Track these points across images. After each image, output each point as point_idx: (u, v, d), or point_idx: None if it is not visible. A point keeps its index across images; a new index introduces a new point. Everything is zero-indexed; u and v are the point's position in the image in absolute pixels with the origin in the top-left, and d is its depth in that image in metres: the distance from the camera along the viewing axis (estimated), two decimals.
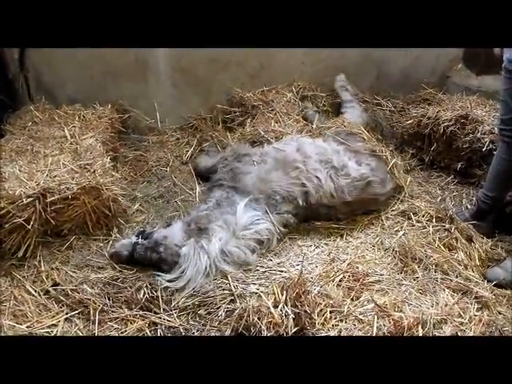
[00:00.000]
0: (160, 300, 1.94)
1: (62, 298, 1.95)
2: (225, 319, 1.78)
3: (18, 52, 2.77)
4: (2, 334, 1.72)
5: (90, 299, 1.93)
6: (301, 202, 2.46)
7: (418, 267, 2.18)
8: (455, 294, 1.95)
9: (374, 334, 1.64)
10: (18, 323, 1.81)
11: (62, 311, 1.91)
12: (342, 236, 2.47)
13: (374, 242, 2.43)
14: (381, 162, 2.75)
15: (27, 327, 1.80)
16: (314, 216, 2.55)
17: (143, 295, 1.96)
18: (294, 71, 3.48)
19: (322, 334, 1.63)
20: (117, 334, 1.79)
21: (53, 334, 1.80)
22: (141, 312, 1.89)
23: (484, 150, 2.89)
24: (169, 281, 2.05)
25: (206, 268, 2.11)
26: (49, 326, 1.84)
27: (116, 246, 2.17)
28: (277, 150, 2.65)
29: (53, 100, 2.82)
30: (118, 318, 1.87)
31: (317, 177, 2.49)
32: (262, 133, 2.94)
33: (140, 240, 2.16)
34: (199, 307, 1.89)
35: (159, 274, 2.08)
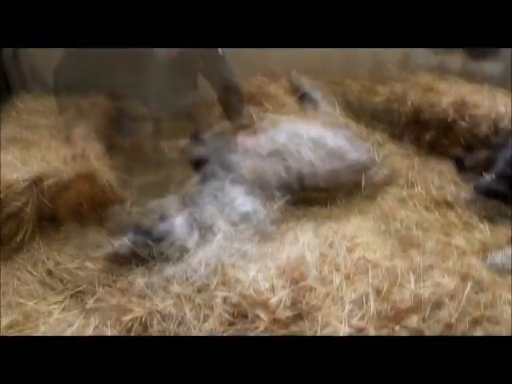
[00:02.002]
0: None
1: (65, 275, 2.01)
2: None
3: None
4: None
5: (93, 275, 2.00)
6: (283, 174, 2.57)
7: (401, 227, 2.33)
8: (438, 246, 2.10)
9: (370, 284, 1.75)
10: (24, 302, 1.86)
11: (67, 289, 1.96)
12: (325, 205, 2.61)
13: (356, 209, 2.58)
14: (355, 135, 2.93)
15: (34, 304, 1.85)
16: (298, 187, 2.64)
17: None
18: (269, 56, 3.60)
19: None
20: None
21: (57, 314, 1.84)
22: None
23: (449, 120, 3.11)
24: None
25: (197, 239, 2.20)
26: (55, 303, 1.89)
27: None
28: (258, 130, 2.79)
29: (34, 93, 2.81)
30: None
31: (296, 150, 2.62)
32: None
33: (138, 236, 2.15)
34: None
35: None
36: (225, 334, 1.51)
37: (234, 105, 2.72)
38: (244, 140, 2.67)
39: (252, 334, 1.51)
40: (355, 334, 1.57)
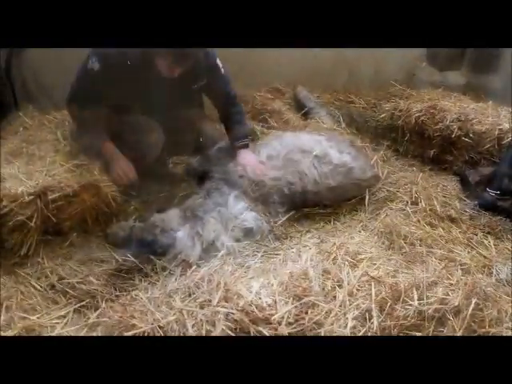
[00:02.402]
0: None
1: (68, 290, 2.01)
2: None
3: (4, 60, 2.81)
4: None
5: (97, 290, 2.00)
6: (286, 191, 2.58)
7: (405, 243, 2.33)
8: (442, 262, 2.09)
9: (373, 300, 1.75)
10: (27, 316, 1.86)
11: (70, 303, 1.96)
12: (329, 221, 2.62)
13: (360, 225, 2.58)
14: (360, 151, 2.93)
15: (37, 318, 1.85)
16: (301, 203, 2.68)
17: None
18: (271, 72, 3.64)
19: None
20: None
21: (59, 328, 1.84)
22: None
23: (453, 136, 3.13)
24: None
25: (199, 252, 2.22)
26: (58, 317, 1.89)
27: (113, 227, 2.25)
28: (262, 145, 2.80)
29: (40, 107, 2.85)
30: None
31: (299, 166, 2.63)
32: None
33: (137, 222, 2.25)
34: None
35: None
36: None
37: (235, 117, 2.74)
38: (245, 160, 2.68)
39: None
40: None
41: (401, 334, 1.69)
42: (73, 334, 1.75)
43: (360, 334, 1.61)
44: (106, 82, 2.33)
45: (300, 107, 3.66)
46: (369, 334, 1.61)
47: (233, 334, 1.53)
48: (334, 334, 1.57)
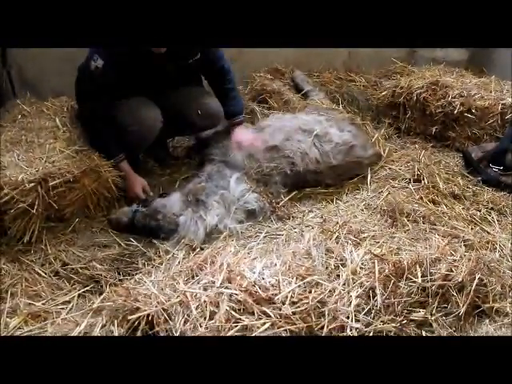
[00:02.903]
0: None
1: (72, 275, 2.02)
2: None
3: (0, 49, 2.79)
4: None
5: (100, 274, 2.01)
6: (288, 171, 2.57)
7: (408, 220, 2.32)
8: (445, 239, 2.09)
9: (377, 278, 1.75)
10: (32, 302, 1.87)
11: (75, 288, 1.97)
12: (331, 200, 2.61)
13: (362, 204, 2.57)
14: (360, 130, 2.91)
15: (42, 304, 1.86)
16: (303, 183, 2.67)
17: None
18: (272, 54, 3.59)
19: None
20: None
21: (65, 314, 1.84)
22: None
23: (455, 112, 3.09)
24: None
25: (202, 236, 2.22)
26: (63, 303, 1.90)
27: (116, 212, 2.27)
28: (262, 126, 2.78)
29: (37, 94, 2.82)
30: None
31: (300, 146, 2.62)
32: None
33: (140, 208, 2.27)
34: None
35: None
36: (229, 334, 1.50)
37: (230, 94, 2.74)
38: (240, 137, 2.67)
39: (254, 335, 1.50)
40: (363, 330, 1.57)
41: (405, 311, 1.70)
42: (77, 319, 1.75)
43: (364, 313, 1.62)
44: (112, 74, 2.34)
45: (298, 91, 3.62)
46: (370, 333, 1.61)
47: (237, 316, 1.54)
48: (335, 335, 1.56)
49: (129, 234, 2.24)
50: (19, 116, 2.56)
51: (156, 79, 2.48)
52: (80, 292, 1.94)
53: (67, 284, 1.99)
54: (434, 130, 3.24)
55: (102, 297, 1.83)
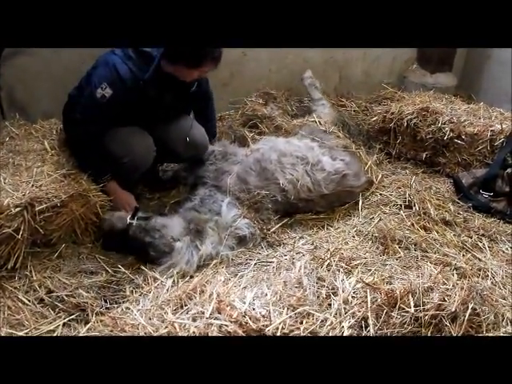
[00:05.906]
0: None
1: (57, 303, 1.95)
2: None
3: None
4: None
5: (86, 302, 1.95)
6: (280, 199, 2.55)
7: (399, 247, 2.31)
8: (437, 267, 2.07)
9: (369, 308, 1.72)
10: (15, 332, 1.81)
11: (60, 317, 1.91)
12: (322, 227, 2.59)
13: (353, 230, 2.55)
14: (354, 157, 2.91)
15: (25, 334, 1.80)
16: (294, 210, 2.65)
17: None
18: (263, 78, 3.61)
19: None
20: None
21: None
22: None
23: (446, 138, 3.12)
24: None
25: (195, 267, 2.18)
26: (47, 332, 1.84)
27: (114, 215, 2.26)
28: (254, 151, 2.76)
29: (27, 116, 2.80)
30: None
31: (292, 174, 2.60)
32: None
33: (137, 221, 2.24)
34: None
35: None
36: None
37: (210, 115, 2.88)
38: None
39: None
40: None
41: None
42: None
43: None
44: (119, 104, 2.33)
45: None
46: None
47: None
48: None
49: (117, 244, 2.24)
50: (7, 138, 2.52)
51: (155, 109, 2.47)
52: (65, 321, 1.88)
53: (52, 312, 1.92)
54: (424, 156, 3.25)
55: (87, 326, 1.78)
